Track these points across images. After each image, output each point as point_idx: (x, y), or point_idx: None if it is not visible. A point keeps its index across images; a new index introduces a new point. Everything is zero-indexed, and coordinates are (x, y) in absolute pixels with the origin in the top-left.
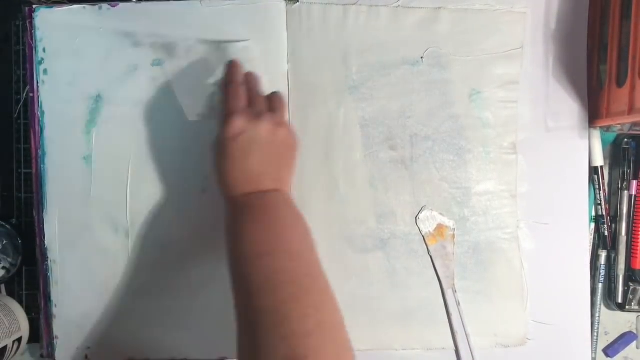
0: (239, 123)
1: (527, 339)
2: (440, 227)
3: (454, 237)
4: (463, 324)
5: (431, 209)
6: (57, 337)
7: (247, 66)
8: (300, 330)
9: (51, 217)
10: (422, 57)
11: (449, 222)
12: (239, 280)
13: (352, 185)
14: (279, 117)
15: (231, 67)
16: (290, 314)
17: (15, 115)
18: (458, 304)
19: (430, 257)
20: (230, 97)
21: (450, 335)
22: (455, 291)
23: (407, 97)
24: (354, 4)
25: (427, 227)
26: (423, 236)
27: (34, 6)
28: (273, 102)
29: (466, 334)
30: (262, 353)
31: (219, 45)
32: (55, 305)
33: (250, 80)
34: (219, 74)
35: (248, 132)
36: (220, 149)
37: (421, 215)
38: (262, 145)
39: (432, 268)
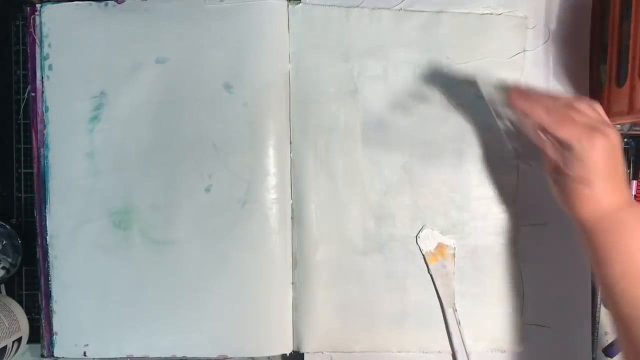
0: (603, 141)
1: (523, 343)
2: (440, 247)
3: (454, 257)
4: (464, 344)
5: (432, 228)
6: (56, 333)
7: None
8: None
9: (53, 213)
10: (423, 61)
11: (449, 242)
12: None
13: (351, 187)
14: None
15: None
16: None
17: (19, 116)
18: (459, 323)
19: (431, 276)
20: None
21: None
22: (456, 310)
23: (407, 100)
24: (356, 7)
25: (428, 246)
26: (423, 255)
27: (41, 3)
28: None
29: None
30: None
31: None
32: (55, 301)
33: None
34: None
35: (609, 144)
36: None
37: (421, 234)
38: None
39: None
